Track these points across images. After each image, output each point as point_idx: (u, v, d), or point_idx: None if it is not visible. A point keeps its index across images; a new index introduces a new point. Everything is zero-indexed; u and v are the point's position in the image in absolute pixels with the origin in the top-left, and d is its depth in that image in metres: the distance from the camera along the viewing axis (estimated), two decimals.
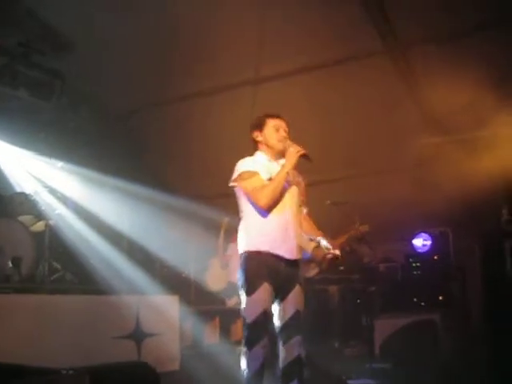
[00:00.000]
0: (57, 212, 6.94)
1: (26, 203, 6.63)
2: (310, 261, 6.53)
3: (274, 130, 4.34)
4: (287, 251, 4.15)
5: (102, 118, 8.20)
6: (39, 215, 6.65)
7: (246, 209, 4.24)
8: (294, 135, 4.39)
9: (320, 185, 8.07)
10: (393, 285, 9.38)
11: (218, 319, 8.34)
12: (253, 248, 4.13)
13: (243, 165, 4.26)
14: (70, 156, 7.55)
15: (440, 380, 6.13)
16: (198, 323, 7.68)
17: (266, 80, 7.62)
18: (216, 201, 8.68)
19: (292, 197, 4.29)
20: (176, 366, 6.48)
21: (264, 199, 4.10)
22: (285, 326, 4.16)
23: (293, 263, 4.19)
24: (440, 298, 8.76)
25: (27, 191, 6.90)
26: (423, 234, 9.69)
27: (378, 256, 9.84)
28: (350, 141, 8.36)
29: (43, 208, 6.68)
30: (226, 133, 7.76)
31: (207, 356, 6.93)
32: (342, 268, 9.50)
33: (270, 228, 4.14)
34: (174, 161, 8.91)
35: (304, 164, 4.24)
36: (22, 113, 7.06)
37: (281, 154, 4.33)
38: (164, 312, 6.67)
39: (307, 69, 7.41)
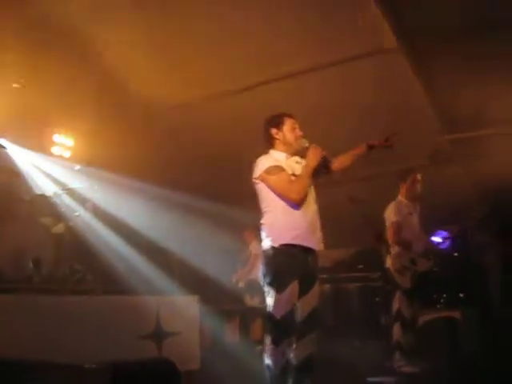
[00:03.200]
0: (76, 214, 7.00)
1: (46, 205, 6.71)
2: (422, 255, 6.53)
3: (291, 129, 4.42)
4: (316, 243, 4.28)
5: None
6: (59, 217, 6.72)
7: (272, 204, 4.25)
8: (309, 135, 4.47)
9: (338, 184, 8.02)
10: (412, 282, 9.30)
11: (237, 318, 8.38)
12: (282, 242, 4.15)
13: (267, 161, 4.31)
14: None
15: (460, 378, 6.08)
16: (218, 322, 7.71)
17: (278, 79, 7.62)
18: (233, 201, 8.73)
19: (311, 192, 4.40)
20: (196, 365, 6.50)
21: (296, 193, 4.19)
22: (302, 323, 4.20)
23: (316, 255, 4.30)
24: (460, 295, 8.71)
25: (47, 193, 6.97)
26: (442, 232, 9.62)
27: None
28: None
29: (63, 210, 6.74)
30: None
31: (227, 355, 6.97)
32: (361, 266, 9.51)
33: (299, 221, 4.20)
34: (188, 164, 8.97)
35: None
36: None
37: (295, 152, 4.44)
38: (184, 312, 6.71)
39: (320, 67, 7.40)
